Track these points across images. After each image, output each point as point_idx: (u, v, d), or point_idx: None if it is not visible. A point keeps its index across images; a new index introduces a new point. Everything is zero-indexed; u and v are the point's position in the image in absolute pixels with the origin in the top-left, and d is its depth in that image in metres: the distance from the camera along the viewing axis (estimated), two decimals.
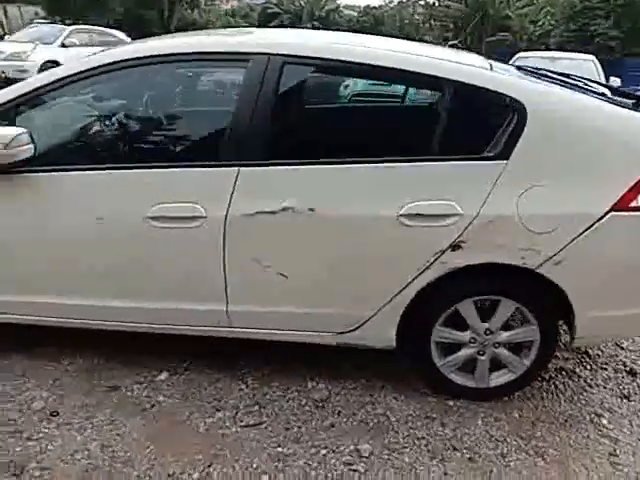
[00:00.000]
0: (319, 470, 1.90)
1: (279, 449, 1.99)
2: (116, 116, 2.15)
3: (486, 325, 2.15)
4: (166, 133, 2.18)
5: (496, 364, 2.23)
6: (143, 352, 2.49)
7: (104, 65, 1.99)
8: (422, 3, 31.57)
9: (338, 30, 31.97)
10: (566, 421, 2.22)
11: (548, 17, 24.18)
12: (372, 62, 1.97)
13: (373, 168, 1.98)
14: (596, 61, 8.14)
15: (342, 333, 2.20)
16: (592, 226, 1.94)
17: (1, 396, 2.18)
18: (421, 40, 27.93)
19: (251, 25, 35.50)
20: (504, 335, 2.16)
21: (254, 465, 1.91)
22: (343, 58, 2.00)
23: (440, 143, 2.01)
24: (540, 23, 24.48)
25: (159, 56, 2.03)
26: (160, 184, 2.02)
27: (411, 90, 2.05)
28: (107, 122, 2.16)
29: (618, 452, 2.06)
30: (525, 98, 1.95)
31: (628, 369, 2.58)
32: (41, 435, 1.99)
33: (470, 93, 1.97)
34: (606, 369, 2.59)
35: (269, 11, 34.97)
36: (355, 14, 37.43)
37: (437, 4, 29.60)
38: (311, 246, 2.05)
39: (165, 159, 2.01)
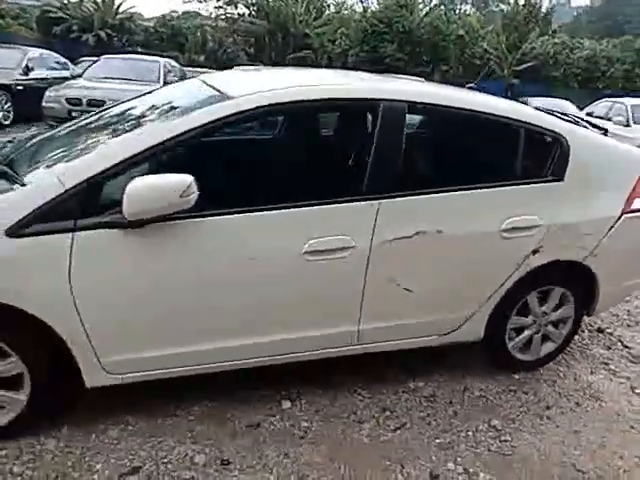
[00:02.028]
0: (480, 448, 2.27)
1: (438, 440, 2.30)
2: (266, 158, 2.16)
3: (543, 309, 2.75)
4: (315, 172, 2.27)
5: (544, 339, 2.85)
6: (226, 390, 2.46)
7: (255, 108, 2.03)
8: (223, 17, 32.11)
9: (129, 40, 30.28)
10: (592, 372, 2.95)
11: (344, 38, 26.88)
12: (472, 108, 2.43)
13: (481, 193, 2.41)
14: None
15: (445, 334, 2.59)
16: (613, 226, 2.67)
17: (153, 460, 2.05)
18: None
19: (29, 28, 31.83)
20: (554, 315, 2.79)
21: (433, 457, 2.19)
22: (452, 104, 2.41)
23: (521, 170, 2.54)
24: (337, 43, 27.06)
25: (309, 101, 2.15)
26: (314, 220, 2.15)
27: (497, 128, 2.54)
28: (259, 164, 2.16)
29: (635, 385, 2.85)
30: (566, 133, 2.60)
31: (596, 328, 3.47)
32: None
33: (536, 131, 2.54)
34: (584, 331, 3.42)
35: (51, 15, 31.68)
36: (151, 24, 36.27)
37: (240, 19, 30.42)
38: (435, 263, 2.39)
39: (316, 197, 2.15)
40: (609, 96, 11.83)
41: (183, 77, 11.38)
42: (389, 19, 25.26)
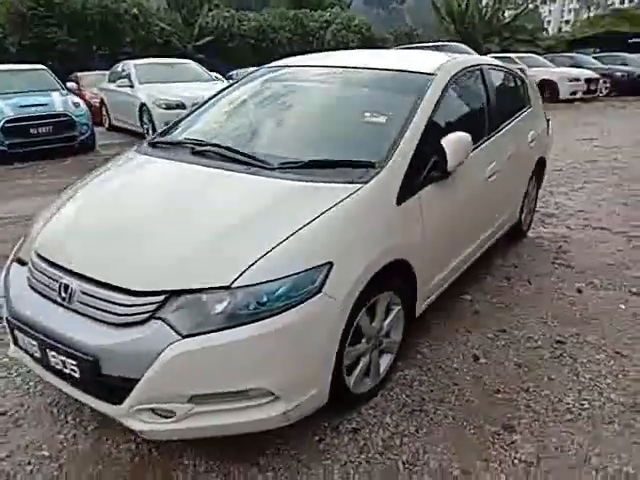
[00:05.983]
0: (571, 281, 3.65)
1: (552, 278, 3.57)
2: (467, 112, 2.89)
3: (530, 190, 4.24)
4: (485, 117, 3.10)
5: (529, 211, 4.36)
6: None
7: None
8: None
9: None
10: (555, 226, 4.64)
11: None
12: (498, 65, 3.63)
13: (521, 119, 3.69)
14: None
15: (506, 224, 3.82)
16: (547, 129, 4.32)
17: (466, 355, 2.73)
18: None
19: None
20: (532, 193, 4.31)
21: (563, 287, 3.46)
22: (500, 65, 3.56)
23: (522, 102, 3.89)
24: None
25: (474, 66, 3.16)
26: (489, 152, 3.06)
27: (510, 77, 3.77)
28: (464, 117, 2.84)
29: (571, 224, 4.66)
30: (524, 75, 4.06)
31: None
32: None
33: (517, 76, 3.91)
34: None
35: None
36: None
37: None
38: (513, 171, 3.55)
39: (487, 134, 3.09)
40: None
41: None
42: (49, 1, 22.84)
